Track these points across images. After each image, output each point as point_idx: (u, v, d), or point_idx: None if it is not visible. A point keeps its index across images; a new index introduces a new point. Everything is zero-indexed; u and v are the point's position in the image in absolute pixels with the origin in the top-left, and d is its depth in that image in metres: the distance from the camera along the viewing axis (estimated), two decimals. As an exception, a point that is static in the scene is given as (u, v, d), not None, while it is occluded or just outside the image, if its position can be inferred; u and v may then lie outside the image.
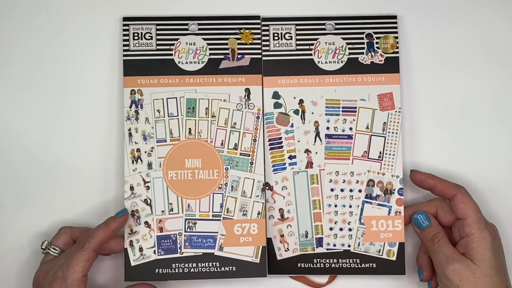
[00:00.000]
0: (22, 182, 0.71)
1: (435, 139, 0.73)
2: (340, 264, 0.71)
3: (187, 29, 0.71)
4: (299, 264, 0.71)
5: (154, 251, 0.70)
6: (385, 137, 0.72)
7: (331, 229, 0.71)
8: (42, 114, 0.72)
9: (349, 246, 0.71)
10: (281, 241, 0.71)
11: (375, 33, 0.72)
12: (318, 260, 0.71)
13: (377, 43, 0.72)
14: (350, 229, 0.71)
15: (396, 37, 0.72)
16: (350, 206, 0.71)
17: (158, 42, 0.71)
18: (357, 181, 0.71)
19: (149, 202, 0.70)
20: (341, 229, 0.71)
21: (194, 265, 0.70)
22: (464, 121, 0.73)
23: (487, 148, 0.73)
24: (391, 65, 0.72)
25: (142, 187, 0.70)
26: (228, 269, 0.70)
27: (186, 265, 0.70)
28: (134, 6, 0.72)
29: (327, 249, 0.71)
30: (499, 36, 0.74)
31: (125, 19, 0.71)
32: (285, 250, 0.71)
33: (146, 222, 0.70)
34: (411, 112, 0.73)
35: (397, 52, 0.72)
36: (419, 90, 0.73)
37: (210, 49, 0.71)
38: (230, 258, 0.70)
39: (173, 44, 0.71)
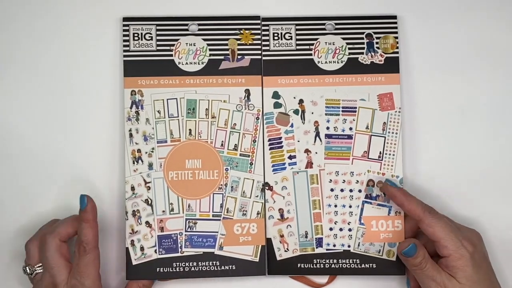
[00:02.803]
0: (22, 182, 0.72)
1: (435, 139, 0.73)
2: (340, 264, 0.71)
3: (187, 30, 0.72)
4: (299, 265, 0.72)
5: (155, 250, 0.71)
6: (385, 137, 0.71)
7: (331, 229, 0.72)
8: (42, 115, 0.72)
9: (349, 246, 0.71)
10: (281, 241, 0.72)
11: (375, 33, 0.72)
12: (318, 260, 0.71)
13: (377, 43, 0.72)
14: (350, 229, 0.71)
15: (396, 37, 0.72)
16: (350, 206, 0.72)
17: (158, 43, 0.71)
18: (357, 181, 0.72)
19: (150, 202, 0.71)
20: (341, 229, 0.72)
21: (195, 264, 0.71)
22: (463, 121, 0.73)
23: (486, 147, 0.73)
24: (391, 65, 0.72)
25: (143, 187, 0.71)
26: (228, 268, 0.71)
27: (187, 264, 0.71)
28: (134, 6, 0.72)
29: (327, 250, 0.71)
30: (498, 37, 0.74)
31: (125, 19, 0.71)
32: (285, 251, 0.72)
33: (147, 222, 0.71)
34: (411, 112, 0.73)
35: (397, 52, 0.72)
36: (419, 90, 0.73)
37: (210, 49, 0.72)
38: (230, 257, 0.71)
39: (173, 45, 0.71)
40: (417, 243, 0.67)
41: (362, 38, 0.72)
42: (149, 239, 0.71)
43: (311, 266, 0.71)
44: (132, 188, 0.71)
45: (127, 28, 0.71)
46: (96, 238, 0.67)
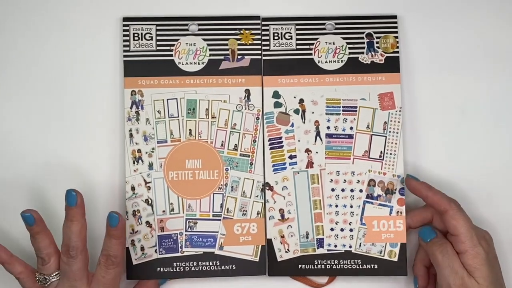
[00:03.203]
0: (22, 183, 0.72)
1: (436, 139, 0.73)
2: (341, 265, 0.71)
3: (187, 30, 0.72)
4: (299, 266, 0.71)
5: (156, 250, 0.71)
6: (385, 136, 0.71)
7: (332, 229, 0.71)
8: (42, 115, 0.72)
9: (350, 246, 0.71)
10: (281, 242, 0.71)
11: (375, 32, 0.72)
12: (319, 261, 0.71)
13: (377, 42, 0.72)
14: (351, 230, 0.71)
15: (396, 37, 0.72)
16: (351, 206, 0.71)
17: (158, 43, 0.71)
18: (358, 181, 0.71)
19: (150, 202, 0.71)
20: (342, 230, 0.71)
21: (195, 263, 0.71)
22: (464, 120, 0.73)
23: (487, 147, 0.73)
24: (391, 65, 0.72)
25: (143, 187, 0.71)
26: (228, 268, 0.71)
27: (187, 264, 0.71)
28: (134, 6, 0.72)
29: (328, 250, 0.71)
30: (499, 36, 0.74)
31: (125, 19, 0.72)
32: (286, 251, 0.71)
33: (147, 222, 0.71)
34: (412, 112, 0.73)
35: (397, 52, 0.72)
36: (420, 90, 0.73)
37: (210, 49, 0.72)
38: (230, 257, 0.71)
39: (173, 45, 0.72)
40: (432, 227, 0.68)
41: (362, 38, 0.72)
42: (149, 239, 0.71)
43: (312, 267, 0.71)
44: (133, 188, 0.71)
45: (127, 28, 0.72)
46: (124, 252, 0.67)
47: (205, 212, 0.71)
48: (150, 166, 0.71)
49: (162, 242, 0.71)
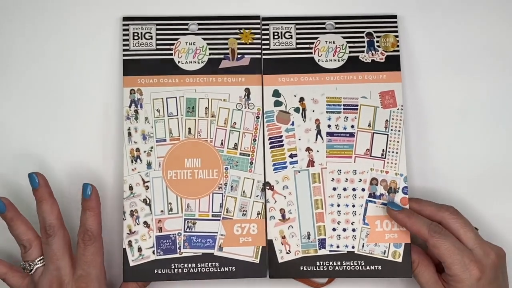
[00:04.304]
0: (21, 181, 0.71)
1: (438, 137, 0.72)
2: (344, 266, 0.69)
3: (187, 29, 0.72)
4: (301, 267, 0.69)
5: (153, 251, 0.69)
6: (387, 134, 0.70)
7: (334, 229, 0.69)
8: (41, 114, 0.72)
9: (353, 247, 0.69)
10: (282, 242, 0.69)
11: (375, 32, 0.72)
12: (321, 262, 0.69)
13: (377, 41, 0.72)
14: (353, 230, 0.69)
15: (397, 36, 0.72)
16: (353, 206, 0.70)
17: (158, 42, 0.71)
18: (360, 179, 0.70)
19: (148, 202, 0.70)
20: (344, 230, 0.69)
21: (194, 265, 0.69)
22: (466, 120, 0.73)
23: (489, 144, 0.72)
24: (392, 63, 0.71)
25: (141, 187, 0.70)
26: (227, 270, 0.69)
27: (185, 265, 0.69)
28: (134, 6, 0.72)
29: (330, 251, 0.69)
30: (499, 36, 0.73)
31: (125, 19, 0.72)
32: (287, 252, 0.69)
33: (145, 222, 0.69)
34: (414, 110, 0.72)
35: (398, 51, 0.71)
36: (421, 89, 0.72)
37: (210, 49, 0.71)
38: (229, 258, 0.69)
39: (173, 44, 0.71)
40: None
41: (363, 37, 0.72)
42: (147, 240, 0.69)
43: (314, 268, 0.69)
44: (130, 188, 0.69)
45: (127, 27, 0.72)
46: (100, 226, 0.67)
47: (204, 212, 0.70)
48: (149, 165, 0.70)
49: (160, 242, 0.69)
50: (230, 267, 0.69)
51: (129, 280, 0.69)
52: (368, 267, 0.69)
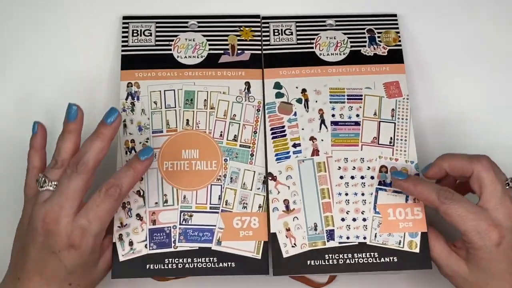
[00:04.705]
0: (19, 177, 0.66)
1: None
2: (356, 259, 0.62)
3: (186, 27, 0.71)
4: (308, 262, 0.62)
5: (146, 245, 0.63)
6: (394, 123, 0.67)
7: (343, 219, 0.64)
8: (39, 108, 0.70)
9: (364, 238, 0.63)
10: (287, 235, 0.63)
11: (376, 28, 0.71)
12: (330, 256, 0.62)
13: (378, 37, 0.71)
14: (364, 219, 0.64)
15: (398, 32, 0.71)
16: (363, 194, 0.64)
17: (157, 38, 0.70)
18: (368, 167, 0.65)
19: (142, 194, 0.65)
20: (354, 220, 0.64)
21: (189, 260, 0.62)
22: (469, 121, 0.71)
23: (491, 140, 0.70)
24: (395, 57, 0.70)
25: (135, 178, 0.65)
26: (226, 265, 0.62)
27: (181, 260, 0.62)
28: (134, 5, 0.72)
29: (339, 243, 0.63)
30: (500, 35, 0.73)
31: (125, 18, 0.72)
32: (292, 246, 0.63)
33: (138, 215, 0.64)
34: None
35: (400, 45, 0.70)
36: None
37: (209, 44, 0.71)
38: (228, 253, 0.63)
39: (172, 40, 0.70)
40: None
41: (364, 33, 0.71)
42: (139, 233, 0.63)
43: (323, 263, 0.62)
44: (124, 180, 0.65)
45: (126, 25, 0.71)
46: (128, 192, 0.60)
47: (202, 204, 0.64)
48: (144, 156, 0.66)
49: (153, 236, 0.63)
50: (229, 263, 0.62)
51: (118, 277, 0.62)
52: (382, 259, 0.62)
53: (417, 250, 0.62)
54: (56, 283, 0.58)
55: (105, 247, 0.62)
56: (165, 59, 0.70)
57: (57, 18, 0.73)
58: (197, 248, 0.63)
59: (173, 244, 0.63)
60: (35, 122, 0.64)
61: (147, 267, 0.62)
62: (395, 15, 0.72)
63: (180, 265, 0.62)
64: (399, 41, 0.71)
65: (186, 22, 0.72)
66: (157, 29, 0.71)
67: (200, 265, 0.62)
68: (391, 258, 0.62)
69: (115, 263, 0.62)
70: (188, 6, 0.73)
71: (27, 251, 0.58)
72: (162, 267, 0.62)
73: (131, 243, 0.63)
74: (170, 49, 0.70)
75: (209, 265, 0.62)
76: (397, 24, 0.71)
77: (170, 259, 0.62)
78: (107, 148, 0.60)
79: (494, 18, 0.73)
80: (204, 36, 0.71)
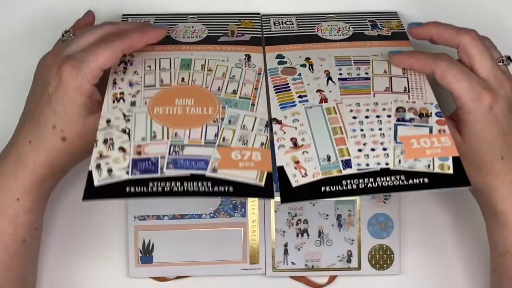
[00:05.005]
0: None
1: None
2: (379, 183, 0.52)
3: (186, 20, 0.70)
4: (323, 188, 0.52)
5: (127, 172, 0.53)
6: (407, 78, 0.61)
7: (360, 150, 0.54)
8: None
9: (387, 164, 0.53)
10: (296, 167, 0.54)
11: (378, 20, 0.70)
12: (349, 181, 0.52)
13: (381, 24, 0.69)
14: (384, 149, 0.54)
15: (400, 22, 0.70)
16: (380, 129, 0.56)
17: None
18: (384, 109, 0.58)
19: (127, 132, 0.56)
20: (373, 150, 0.54)
21: (178, 183, 0.52)
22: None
23: None
24: (400, 36, 0.67)
25: (121, 120, 0.57)
26: (223, 189, 0.51)
27: (168, 183, 0.52)
28: (134, 6, 0.72)
29: (358, 170, 0.53)
30: (500, 36, 0.71)
31: (124, 15, 0.70)
32: (303, 176, 0.53)
33: (121, 148, 0.55)
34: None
35: (403, 29, 0.68)
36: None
37: (209, 31, 0.68)
38: (226, 180, 0.52)
39: (171, 28, 0.68)
40: None
41: (366, 23, 0.69)
42: (120, 162, 0.53)
43: (340, 188, 0.51)
44: (108, 121, 0.57)
45: (125, 20, 0.70)
46: (130, 49, 0.61)
47: (195, 139, 0.56)
48: (133, 103, 0.59)
49: (137, 164, 0.53)
50: (226, 187, 0.51)
51: (89, 198, 0.50)
52: (410, 181, 0.51)
53: (450, 171, 0.52)
54: (42, 125, 0.58)
55: (96, 104, 0.58)
56: (163, 40, 0.67)
57: (57, 17, 0.72)
58: (189, 174, 0.52)
59: (160, 171, 0.53)
60: (89, 10, 0.67)
61: (127, 190, 0.51)
62: (395, 13, 0.72)
63: (167, 189, 0.51)
64: (402, 27, 0.69)
65: (185, 18, 0.70)
66: (156, 22, 0.69)
67: (191, 188, 0.51)
68: (422, 179, 0.52)
69: (89, 187, 0.51)
70: (188, 5, 0.73)
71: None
72: (144, 190, 0.51)
73: (109, 171, 0.53)
74: (169, 34, 0.68)
75: (202, 188, 0.51)
76: (399, 18, 0.71)
77: (155, 183, 0.52)
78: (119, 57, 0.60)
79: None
80: (203, 25, 0.69)
